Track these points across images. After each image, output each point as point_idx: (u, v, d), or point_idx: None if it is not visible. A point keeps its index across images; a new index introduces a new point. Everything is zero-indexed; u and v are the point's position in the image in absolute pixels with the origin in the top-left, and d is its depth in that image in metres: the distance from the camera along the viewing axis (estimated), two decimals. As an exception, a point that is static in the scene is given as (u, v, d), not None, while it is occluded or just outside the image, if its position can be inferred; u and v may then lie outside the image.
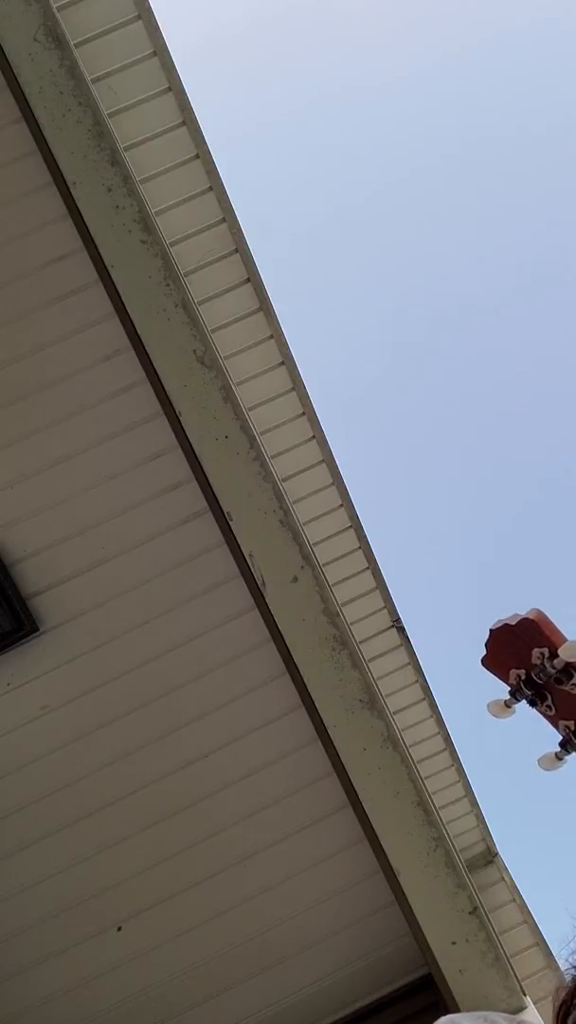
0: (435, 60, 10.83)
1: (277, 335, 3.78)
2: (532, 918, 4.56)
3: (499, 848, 4.67)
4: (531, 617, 1.66)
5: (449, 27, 10.58)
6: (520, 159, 11.26)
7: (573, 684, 1.64)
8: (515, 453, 12.03)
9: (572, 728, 1.68)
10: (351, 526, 4.04)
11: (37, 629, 3.31)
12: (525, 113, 11.33)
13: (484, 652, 1.72)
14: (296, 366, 3.83)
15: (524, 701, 1.70)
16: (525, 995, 3.45)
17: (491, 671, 1.72)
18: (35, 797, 3.40)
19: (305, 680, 3.33)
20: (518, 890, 4.62)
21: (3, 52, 3.11)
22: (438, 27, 10.68)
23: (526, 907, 4.58)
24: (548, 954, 4.48)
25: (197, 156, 3.55)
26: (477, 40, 10.57)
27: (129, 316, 3.20)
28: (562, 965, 1.15)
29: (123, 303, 3.20)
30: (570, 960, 1.14)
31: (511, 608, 1.70)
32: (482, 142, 11.09)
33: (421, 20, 10.85)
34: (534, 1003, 3.48)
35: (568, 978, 1.12)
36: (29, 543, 3.31)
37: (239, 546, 3.28)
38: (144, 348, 3.22)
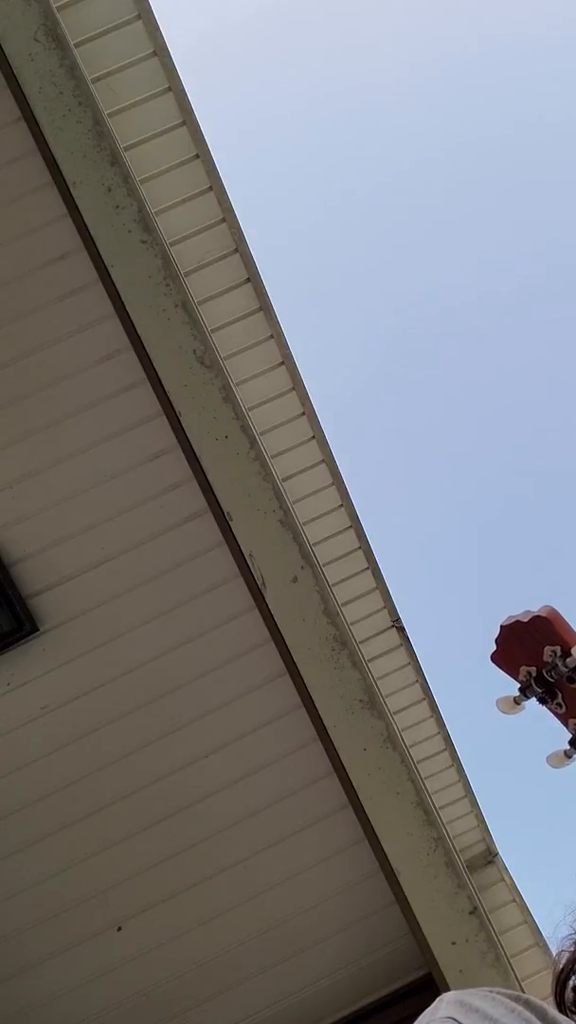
0: (435, 58, 10.84)
1: (277, 335, 3.78)
2: (532, 918, 4.56)
3: (499, 848, 4.67)
4: (544, 615, 1.65)
5: (449, 26, 10.59)
6: (520, 158, 11.27)
7: None
8: (517, 452, 12.03)
9: (582, 726, 1.67)
10: (351, 526, 4.04)
11: (37, 629, 3.31)
12: (525, 112, 11.34)
13: (494, 648, 1.71)
14: (296, 366, 3.82)
15: (534, 698, 1.69)
16: (525, 995, 3.45)
17: (501, 667, 1.71)
18: (35, 797, 3.40)
19: (305, 680, 3.33)
20: (518, 890, 4.62)
21: (3, 52, 3.11)
22: (438, 26, 10.69)
23: (526, 907, 4.58)
24: (548, 954, 4.47)
25: (197, 156, 3.55)
26: (478, 39, 10.58)
27: (129, 316, 3.20)
28: (564, 931, 1.15)
29: (123, 303, 3.20)
30: (573, 925, 1.14)
31: (511, 608, 1.70)
32: (482, 140, 11.10)
33: (421, 19, 10.86)
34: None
35: (569, 943, 1.12)
36: (29, 543, 3.31)
37: (239, 546, 3.28)
38: (144, 348, 3.22)
